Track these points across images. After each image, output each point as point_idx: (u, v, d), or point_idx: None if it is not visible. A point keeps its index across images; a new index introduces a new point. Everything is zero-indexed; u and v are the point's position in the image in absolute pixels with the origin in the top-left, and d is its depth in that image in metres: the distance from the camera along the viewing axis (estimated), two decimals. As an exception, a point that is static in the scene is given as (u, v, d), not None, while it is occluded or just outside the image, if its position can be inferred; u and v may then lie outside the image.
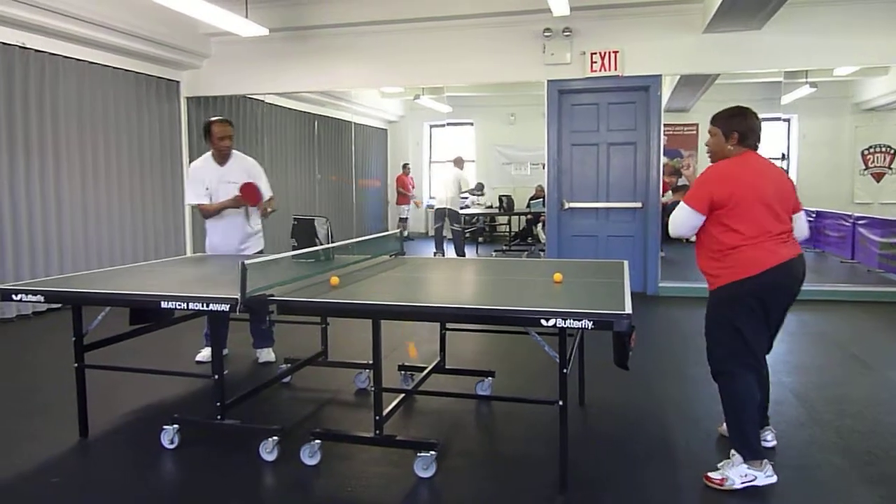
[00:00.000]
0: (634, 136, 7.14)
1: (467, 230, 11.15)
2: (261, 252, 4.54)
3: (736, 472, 2.66)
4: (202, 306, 2.78)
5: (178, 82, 8.05)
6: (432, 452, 2.78)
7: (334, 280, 3.03)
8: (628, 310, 2.37)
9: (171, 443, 3.09)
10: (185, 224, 8.16)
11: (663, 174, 7.36)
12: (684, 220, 2.85)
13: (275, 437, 2.97)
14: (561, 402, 2.56)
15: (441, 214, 9.80)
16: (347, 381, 4.04)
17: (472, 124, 14.11)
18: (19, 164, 6.02)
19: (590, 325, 2.32)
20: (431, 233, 13.72)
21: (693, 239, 3.04)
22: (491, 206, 12.18)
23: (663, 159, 7.28)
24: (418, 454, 2.79)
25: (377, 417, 2.86)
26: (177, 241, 8.03)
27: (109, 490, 2.76)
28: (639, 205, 7.15)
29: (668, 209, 8.56)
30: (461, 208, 10.24)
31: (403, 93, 12.45)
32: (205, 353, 4.50)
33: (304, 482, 2.80)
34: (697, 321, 6.07)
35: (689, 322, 5.91)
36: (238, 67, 7.97)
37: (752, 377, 2.75)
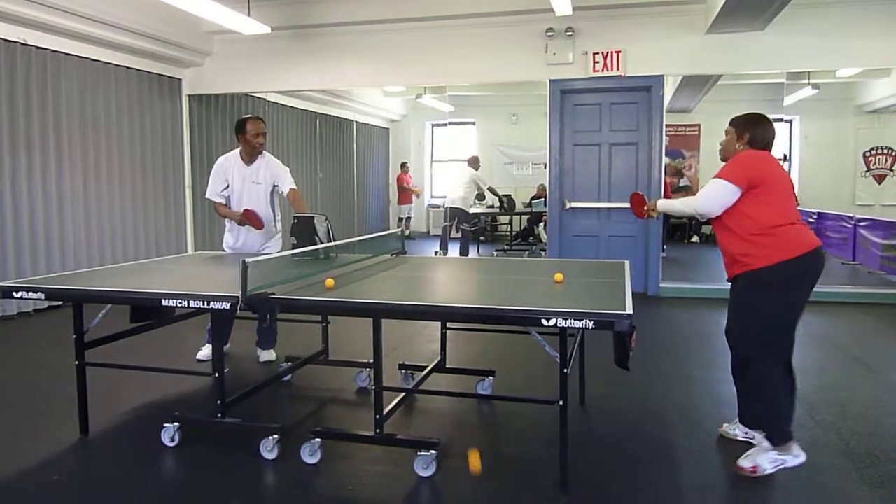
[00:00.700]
0: (636, 136, 7.14)
1: (470, 229, 11.14)
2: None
3: (766, 459, 2.73)
4: (203, 304, 2.78)
5: (180, 80, 8.05)
6: (433, 451, 2.78)
7: (329, 282, 2.98)
8: (629, 310, 2.37)
9: (172, 441, 3.09)
10: (186, 222, 8.15)
11: (665, 174, 7.36)
12: (718, 194, 2.84)
13: (275, 436, 2.97)
14: (561, 402, 2.56)
15: (452, 214, 9.68)
16: (348, 380, 4.04)
17: (473, 124, 14.12)
18: (21, 161, 6.02)
19: (591, 325, 2.31)
20: (433, 232, 13.75)
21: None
22: (492, 206, 12.18)
23: (665, 160, 7.28)
24: (418, 453, 2.79)
25: (377, 416, 2.86)
26: (178, 239, 8.02)
27: (110, 488, 2.76)
28: (640, 205, 7.14)
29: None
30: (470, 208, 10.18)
31: (405, 92, 12.45)
32: (205, 352, 4.50)
33: (304, 481, 2.80)
34: (699, 322, 6.05)
35: (690, 322, 5.90)
36: (240, 65, 7.97)
37: (780, 371, 2.80)
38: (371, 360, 2.93)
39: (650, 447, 3.11)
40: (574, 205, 7.33)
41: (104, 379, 3.49)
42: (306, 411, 3.64)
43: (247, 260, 2.67)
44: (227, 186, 4.39)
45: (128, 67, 7.22)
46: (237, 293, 2.64)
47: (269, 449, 2.96)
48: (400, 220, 13.20)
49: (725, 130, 3.03)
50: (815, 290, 2.81)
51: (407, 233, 12.86)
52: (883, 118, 11.70)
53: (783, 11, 5.96)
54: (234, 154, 4.43)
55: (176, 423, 3.11)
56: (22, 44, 5.98)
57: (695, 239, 11.93)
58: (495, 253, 11.22)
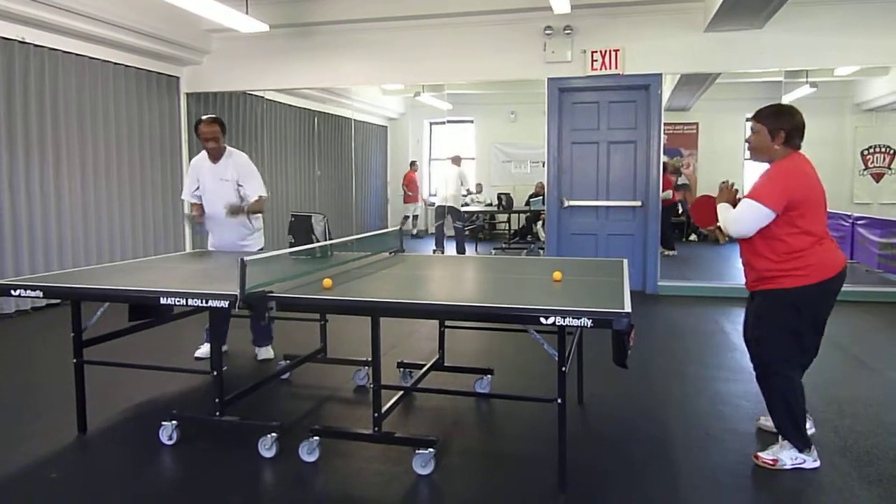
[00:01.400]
0: (635, 134, 7.14)
1: (467, 228, 11.15)
2: (261, 249, 4.53)
3: (788, 455, 2.79)
4: (201, 302, 2.77)
5: (178, 78, 8.04)
6: (431, 450, 2.79)
7: (327, 282, 2.95)
8: (627, 308, 2.37)
9: (170, 439, 3.09)
10: (184, 220, 8.15)
11: (666, 172, 7.36)
12: (752, 218, 2.72)
13: (273, 434, 2.97)
14: (560, 400, 2.56)
15: (442, 212, 9.82)
16: (346, 378, 4.04)
17: (472, 122, 14.10)
18: (19, 159, 6.01)
19: (589, 323, 2.31)
20: (431, 230, 13.73)
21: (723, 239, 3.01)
22: (490, 204, 12.18)
23: (663, 158, 7.28)
24: (417, 451, 2.79)
25: (376, 414, 2.86)
26: (176, 237, 8.02)
27: (108, 486, 2.75)
28: (638, 203, 7.15)
29: (667, 208, 8.57)
30: (461, 206, 10.25)
31: (404, 90, 12.42)
32: (204, 350, 4.50)
33: (302, 479, 2.80)
34: (697, 320, 6.05)
35: (688, 321, 5.91)
36: (238, 64, 7.96)
37: (799, 375, 2.85)
38: (369, 359, 2.93)
39: (648, 445, 3.12)
40: (572, 203, 7.33)
41: (102, 377, 3.49)
42: (305, 409, 3.64)
43: (245, 258, 2.67)
44: (199, 187, 4.41)
45: (126, 65, 7.20)
46: (236, 291, 2.64)
47: (267, 447, 2.96)
48: (405, 218, 13.16)
49: (752, 128, 2.84)
50: None
51: (414, 231, 12.89)
52: (881, 116, 11.69)
53: (781, 9, 5.96)
54: (203, 154, 4.45)
55: (174, 422, 3.11)
56: (20, 42, 5.97)
57: (692, 237, 11.95)
58: (493, 251, 11.22)
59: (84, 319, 3.22)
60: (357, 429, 3.10)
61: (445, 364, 3.95)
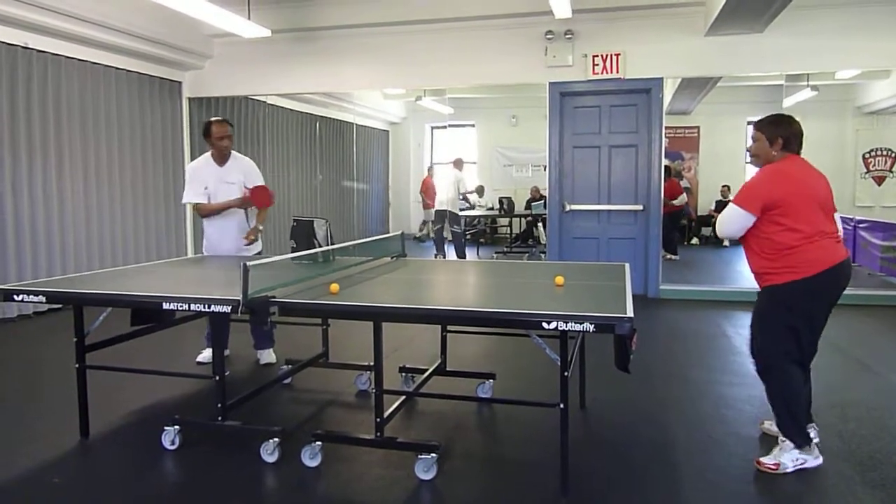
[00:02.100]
0: (636, 138, 7.14)
1: (468, 232, 11.15)
2: (259, 253, 4.54)
3: (789, 458, 2.82)
4: (204, 307, 2.78)
5: (180, 83, 8.06)
6: (433, 455, 2.78)
7: (334, 287, 2.93)
8: (630, 313, 2.37)
9: (172, 444, 3.09)
10: (186, 225, 8.16)
11: (671, 175, 7.36)
12: (734, 220, 2.89)
13: (276, 439, 2.97)
14: (562, 405, 2.56)
15: (441, 216, 9.83)
16: (348, 383, 4.04)
17: (473, 126, 14.11)
18: (22, 164, 6.03)
19: (591, 328, 2.31)
20: (432, 235, 13.74)
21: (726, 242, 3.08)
22: (492, 208, 12.18)
23: (665, 162, 7.28)
24: (419, 456, 2.79)
25: (378, 419, 2.86)
26: (178, 242, 8.03)
27: (110, 491, 2.75)
28: (640, 207, 7.15)
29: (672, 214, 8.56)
30: (460, 210, 10.24)
31: (405, 94, 12.46)
32: (206, 354, 4.50)
33: (304, 484, 2.80)
34: (699, 323, 6.04)
35: (690, 324, 5.90)
36: (240, 68, 7.99)
37: (798, 371, 2.88)
38: (371, 363, 2.93)
39: (650, 450, 3.11)
40: (574, 207, 7.33)
41: (104, 381, 3.49)
42: (307, 414, 3.64)
43: (248, 263, 2.67)
44: (206, 187, 4.41)
45: (128, 70, 7.23)
46: (238, 296, 2.64)
47: (269, 452, 2.96)
48: (424, 223, 13.14)
49: (753, 136, 3.03)
50: None
51: (431, 236, 12.90)
52: (882, 120, 11.69)
53: (782, 13, 5.97)
54: (206, 157, 4.47)
55: (176, 426, 3.11)
56: (23, 47, 5.99)
57: (694, 241, 11.95)
58: (495, 255, 11.22)
59: (86, 324, 3.23)
60: (359, 433, 3.09)
61: (447, 369, 3.95)
